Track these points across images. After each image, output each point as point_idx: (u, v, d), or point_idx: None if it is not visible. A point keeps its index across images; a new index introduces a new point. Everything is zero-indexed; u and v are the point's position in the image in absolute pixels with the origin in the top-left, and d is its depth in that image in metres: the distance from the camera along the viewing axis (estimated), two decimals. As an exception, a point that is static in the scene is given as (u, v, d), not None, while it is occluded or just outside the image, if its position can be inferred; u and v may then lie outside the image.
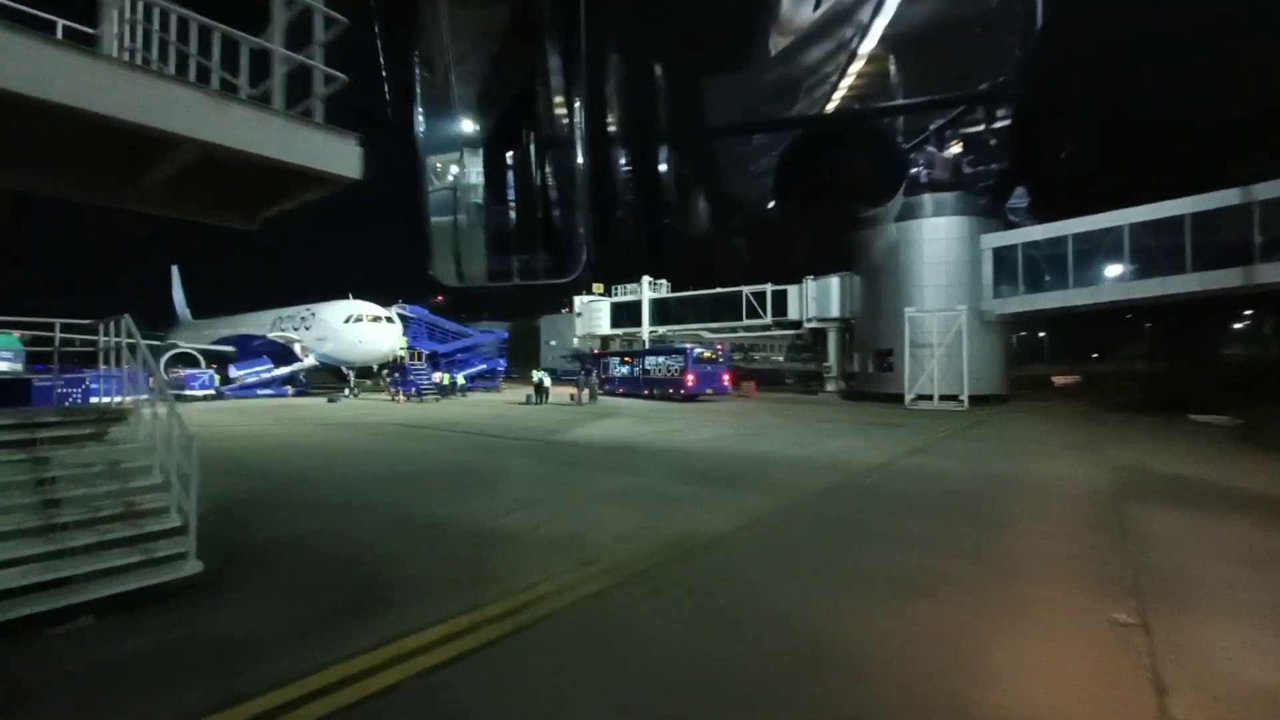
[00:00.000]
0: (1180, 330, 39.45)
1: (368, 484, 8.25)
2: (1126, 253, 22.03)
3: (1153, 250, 21.40)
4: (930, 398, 23.45)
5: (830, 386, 32.41)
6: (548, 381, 25.80)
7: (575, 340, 43.52)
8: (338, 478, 8.69)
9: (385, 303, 34.54)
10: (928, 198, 26.57)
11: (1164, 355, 43.71)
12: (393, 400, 26.46)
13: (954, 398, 23.26)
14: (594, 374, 27.59)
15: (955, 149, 28.15)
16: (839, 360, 32.39)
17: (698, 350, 27.63)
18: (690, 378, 26.45)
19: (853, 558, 5.18)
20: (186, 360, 32.57)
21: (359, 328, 28.23)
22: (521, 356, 77.66)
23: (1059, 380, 39.79)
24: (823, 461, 10.26)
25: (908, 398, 23.83)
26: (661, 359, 28.71)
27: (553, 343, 75.03)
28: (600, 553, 5.16)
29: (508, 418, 18.80)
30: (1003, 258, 25.39)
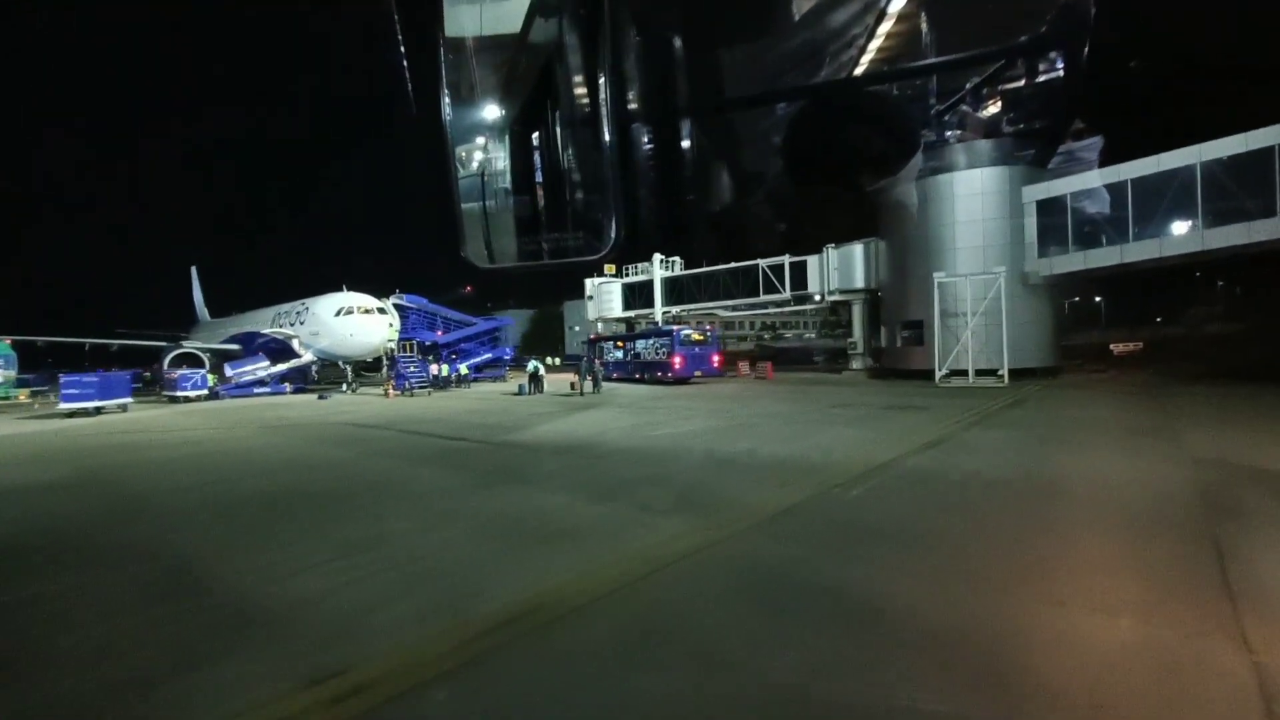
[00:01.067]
0: (1261, 286, 34.97)
1: (207, 514, 6.60)
2: (1199, 197, 18.70)
3: (1233, 192, 18.07)
4: (965, 373, 20.74)
5: (856, 364, 29.78)
6: (542, 370, 24.12)
7: (599, 325, 41.74)
8: (184, 504, 7.08)
9: (396, 293, 33.50)
10: (959, 147, 23.52)
11: (1240, 316, 39.18)
12: (384, 395, 25.24)
13: (993, 372, 20.51)
14: (595, 361, 25.63)
15: (994, 108, 24.31)
16: (865, 335, 29.69)
17: (684, 332, 26.58)
18: (677, 360, 25.34)
19: (764, 665, 3.16)
20: (191, 360, 32.22)
21: (350, 320, 27.04)
22: (549, 342, 76.93)
23: (1118, 349, 35.87)
24: (809, 463, 8.14)
25: (938, 374, 21.17)
26: (650, 342, 27.60)
27: (576, 328, 73.83)
28: (357, 655, 3.29)
29: (484, 412, 17.15)
30: (1049, 211, 22.27)
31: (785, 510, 5.80)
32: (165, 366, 30.66)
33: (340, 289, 29.45)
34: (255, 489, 7.69)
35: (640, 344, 28.28)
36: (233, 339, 35.78)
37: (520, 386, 23.27)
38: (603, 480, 7.59)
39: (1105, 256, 20.75)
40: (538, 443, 10.95)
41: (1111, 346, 36.03)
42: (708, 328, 28.80)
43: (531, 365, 23.68)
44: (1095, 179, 21.22)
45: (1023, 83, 24.08)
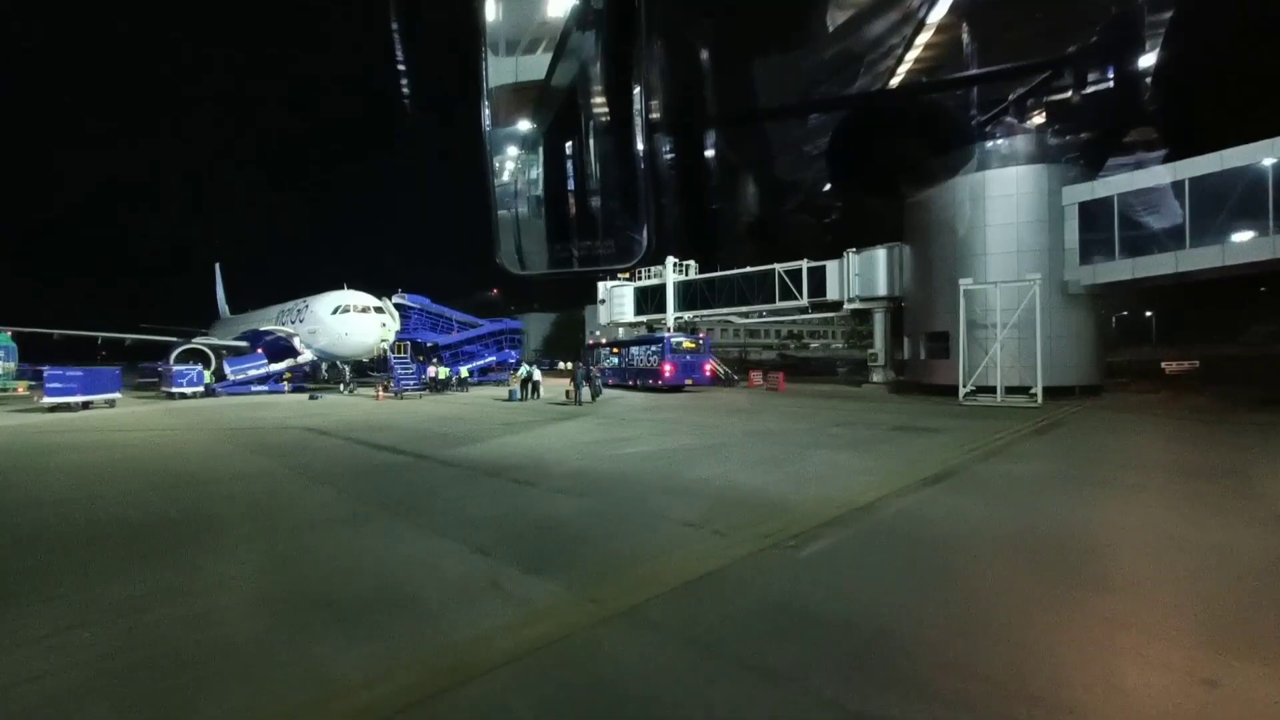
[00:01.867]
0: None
1: (5, 544, 5.44)
2: (1270, 199, 16.40)
3: (1311, 191, 15.78)
4: (993, 390, 18.71)
5: (877, 377, 27.74)
6: (537, 375, 22.88)
7: (620, 330, 40.43)
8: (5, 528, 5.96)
9: (398, 292, 32.83)
10: (994, 144, 21.52)
11: (1311, 334, 35.73)
12: (375, 397, 24.37)
13: (1025, 390, 18.45)
14: (592, 368, 24.19)
15: (1039, 118, 21.89)
16: (887, 346, 27.66)
17: (675, 339, 26.13)
18: (667, 368, 24.82)
19: None
20: (198, 357, 32.05)
21: (345, 319, 26.33)
22: (572, 346, 76.07)
23: (1170, 367, 32.84)
24: (771, 500, 6.60)
25: (962, 391, 19.16)
26: (642, 349, 27.17)
27: (596, 332, 72.85)
28: None
29: (457, 420, 15.96)
30: (1092, 214, 20.10)
31: (700, 579, 4.30)
32: (171, 362, 30.56)
33: (341, 286, 28.88)
34: (110, 513, 6.52)
35: (634, 351, 27.79)
36: (242, 336, 35.64)
37: (511, 392, 22.05)
38: (510, 517, 6.20)
39: (1158, 265, 18.49)
40: (479, 460, 9.62)
41: (1163, 364, 33.02)
42: (700, 336, 28.18)
43: (524, 370, 22.47)
44: (1147, 178, 19.01)
45: (1070, 93, 21.65)
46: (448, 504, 6.74)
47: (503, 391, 26.54)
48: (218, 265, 51.17)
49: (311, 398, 24.69)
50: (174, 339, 34.91)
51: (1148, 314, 56.92)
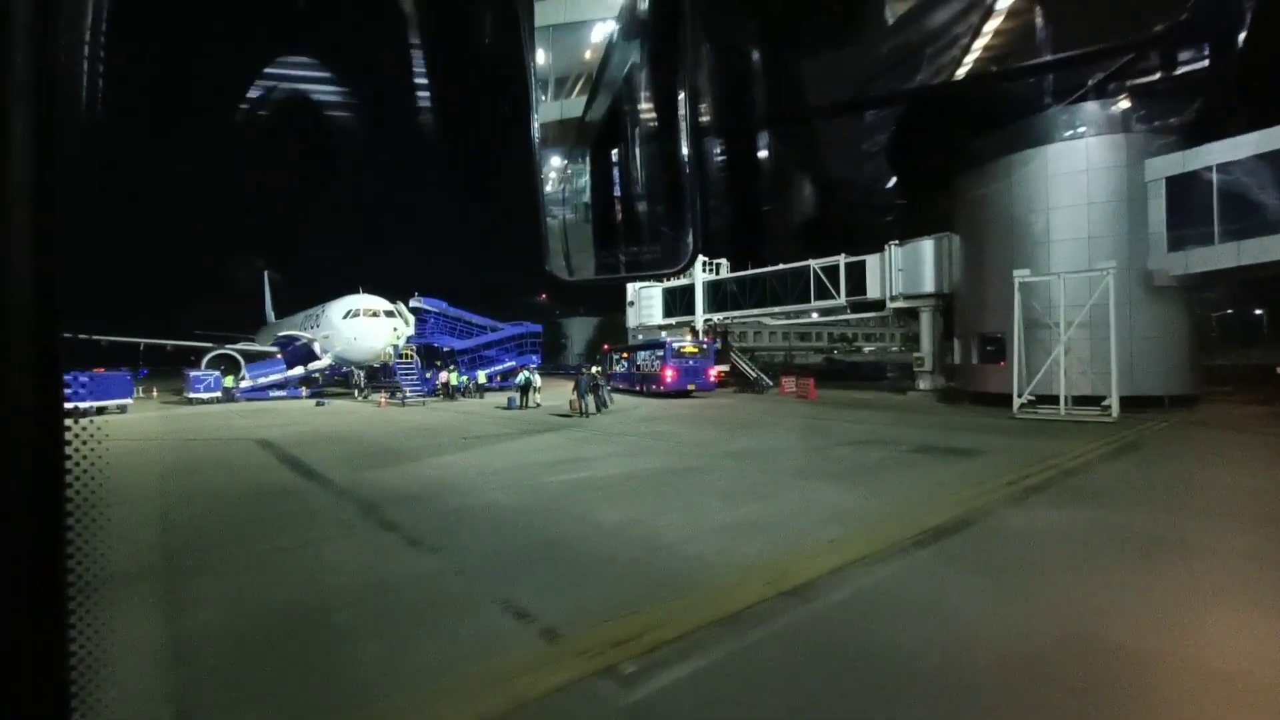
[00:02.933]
0: None
1: None
2: None
3: None
4: (1056, 401, 15.73)
5: (924, 384, 24.71)
6: (537, 382, 21.37)
7: (663, 334, 38.76)
8: None
9: (415, 295, 32.24)
10: (1058, 111, 18.44)
11: None
12: (378, 404, 23.57)
13: (1099, 401, 15.40)
14: (598, 375, 22.29)
15: (1123, 104, 18.35)
16: (935, 350, 24.61)
17: (676, 344, 25.25)
18: (669, 373, 23.87)
19: None
20: (229, 362, 32.52)
21: (355, 323, 25.75)
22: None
23: (1286, 372, 27.95)
24: (677, 569, 4.66)
25: (1017, 401, 16.24)
26: (647, 354, 26.43)
27: (640, 336, 71.39)
28: None
29: (430, 431, 14.60)
30: (1184, 190, 16.77)
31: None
32: (203, 367, 31.06)
33: (357, 290, 28.47)
34: None
35: (641, 356, 26.99)
36: (276, 341, 36.10)
37: (510, 400, 20.61)
38: (283, 596, 4.54)
39: (1271, 248, 15.05)
40: (383, 487, 8.05)
41: (1278, 370, 28.14)
42: (704, 340, 27.34)
43: (522, 377, 20.98)
44: (1253, 143, 15.58)
45: (1158, 75, 18.10)
46: (232, 560, 5.13)
47: (496, 400, 25.17)
48: (265, 273, 52.79)
49: (319, 404, 24.17)
50: (210, 345, 35.72)
51: (1257, 311, 50.04)
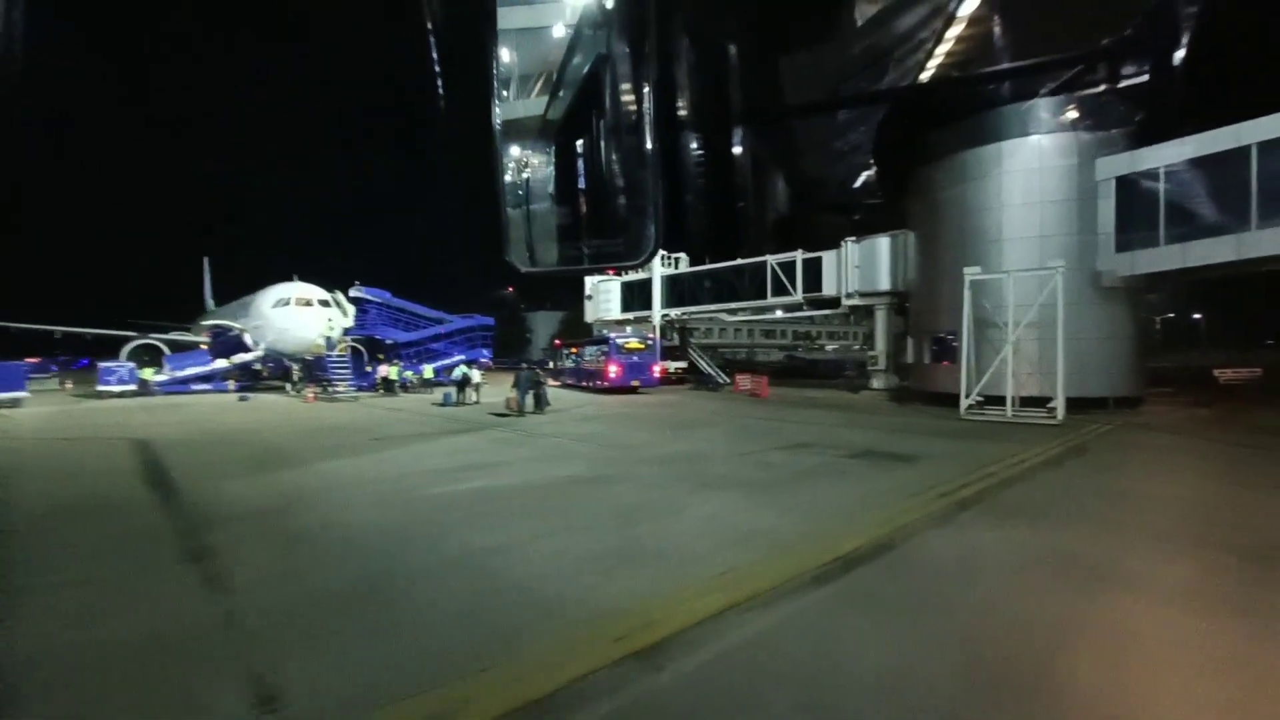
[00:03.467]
0: None
1: None
2: (1364, 163, 12.79)
3: None
4: (1003, 402, 15.36)
5: (877, 383, 24.41)
6: (476, 377, 20.21)
7: (628, 328, 37.62)
8: None
9: (355, 285, 30.47)
10: (1010, 109, 18.10)
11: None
12: (305, 399, 22.06)
13: (1046, 402, 15.08)
14: (538, 371, 21.06)
15: (1073, 111, 17.98)
16: (889, 348, 24.30)
17: (620, 339, 25.13)
18: (612, 369, 23.74)
19: None
20: (155, 353, 30.36)
21: (285, 312, 24.08)
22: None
23: (1225, 375, 28.59)
24: (492, 629, 3.76)
25: (964, 402, 15.84)
26: (593, 350, 26.43)
27: (603, 331, 70.21)
28: None
29: (343, 430, 13.40)
30: (1133, 190, 16.56)
31: None
32: (123, 358, 28.87)
33: (290, 278, 26.68)
34: None
35: (588, 352, 26.93)
36: (210, 331, 33.93)
37: (446, 395, 19.38)
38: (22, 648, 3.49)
39: (1216, 251, 14.91)
40: (260, 499, 6.93)
41: (1216, 373, 28.77)
42: (649, 337, 27.09)
43: (459, 371, 19.81)
44: (1201, 145, 15.39)
45: (1104, 88, 17.72)
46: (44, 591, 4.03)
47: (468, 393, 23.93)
48: (205, 260, 50.03)
49: (241, 399, 22.53)
50: (133, 334, 33.29)
51: (1196, 315, 51.75)
